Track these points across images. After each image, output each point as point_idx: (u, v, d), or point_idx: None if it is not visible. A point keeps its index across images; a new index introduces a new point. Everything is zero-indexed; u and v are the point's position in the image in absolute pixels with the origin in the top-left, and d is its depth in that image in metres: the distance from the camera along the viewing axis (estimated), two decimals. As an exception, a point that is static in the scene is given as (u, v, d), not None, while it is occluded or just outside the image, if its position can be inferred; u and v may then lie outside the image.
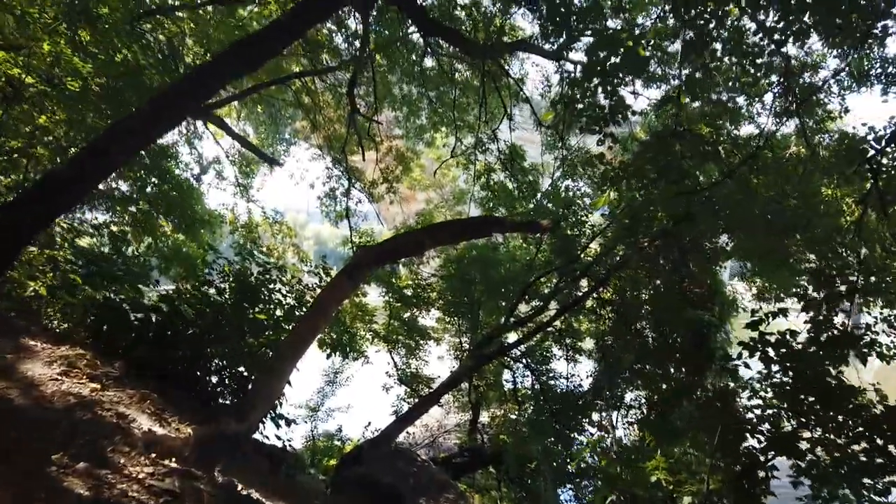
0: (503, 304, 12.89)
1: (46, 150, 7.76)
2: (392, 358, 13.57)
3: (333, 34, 12.83)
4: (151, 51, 9.82)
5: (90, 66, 7.56)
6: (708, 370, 9.82)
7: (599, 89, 5.06)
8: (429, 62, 12.53)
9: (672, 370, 10.48)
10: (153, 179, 12.80)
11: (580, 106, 5.46)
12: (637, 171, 7.11)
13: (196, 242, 14.79)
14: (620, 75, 4.92)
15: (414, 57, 12.01)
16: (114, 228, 11.25)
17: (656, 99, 9.17)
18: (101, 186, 10.64)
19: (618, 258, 10.96)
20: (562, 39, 6.58)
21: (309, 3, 5.99)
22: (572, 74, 8.85)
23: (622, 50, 4.57)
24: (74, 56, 7.20)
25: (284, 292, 7.62)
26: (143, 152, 10.65)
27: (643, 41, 4.69)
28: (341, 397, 14.67)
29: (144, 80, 8.68)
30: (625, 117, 5.37)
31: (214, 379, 6.60)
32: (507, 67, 10.50)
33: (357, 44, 11.18)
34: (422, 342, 13.44)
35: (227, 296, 7.18)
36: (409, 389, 13.46)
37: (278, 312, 7.33)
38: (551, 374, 13.05)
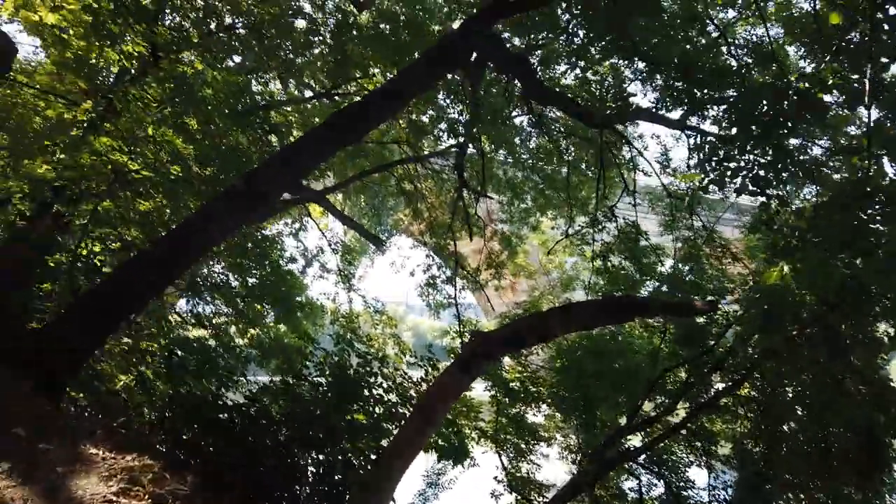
0: (624, 400, 12.12)
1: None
2: (500, 460, 12.93)
3: (439, 116, 13.50)
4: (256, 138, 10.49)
5: (192, 149, 7.76)
6: (880, 483, 8.58)
7: (754, 145, 4.77)
8: (533, 140, 12.86)
9: (831, 481, 9.28)
10: (257, 269, 13.59)
11: (733, 165, 5.13)
12: (822, 238, 6.28)
13: (297, 333, 15.36)
14: (789, 125, 4.60)
15: (519, 134, 12.35)
16: (217, 320, 11.88)
17: (829, 150, 8.33)
18: (202, 274, 11.43)
19: (759, 348, 10.09)
20: (686, 107, 6.48)
21: (412, 69, 6.06)
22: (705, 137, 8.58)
23: (793, 95, 4.32)
24: (177, 139, 7.42)
25: (386, 387, 7.11)
26: (248, 243, 11.40)
27: (819, 83, 4.40)
28: (445, 504, 14.06)
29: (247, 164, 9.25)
30: (808, 175, 5.01)
31: (306, 492, 5.94)
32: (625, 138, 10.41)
33: (463, 118, 11.60)
34: (532, 442, 12.76)
35: (321, 391, 6.77)
36: (520, 497, 12.64)
37: (378, 410, 6.73)
38: (683, 484, 11.88)
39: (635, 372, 11.62)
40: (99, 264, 7.08)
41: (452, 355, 14.08)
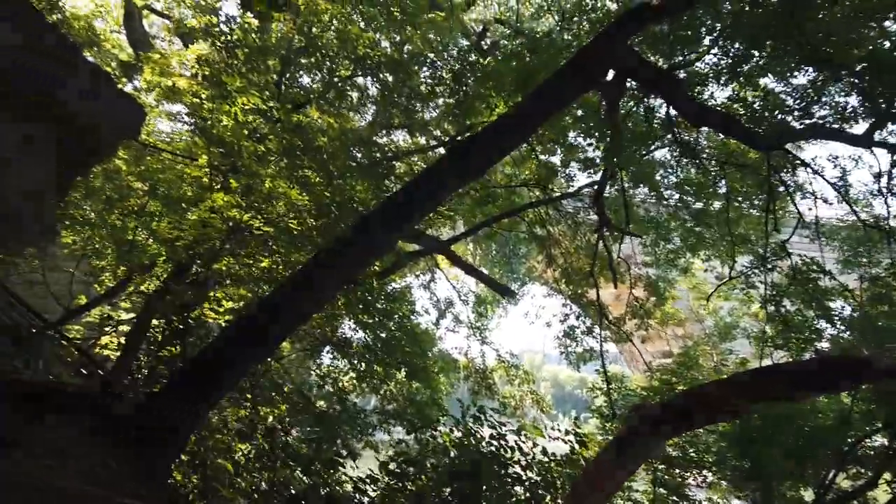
0: (809, 473, 10.55)
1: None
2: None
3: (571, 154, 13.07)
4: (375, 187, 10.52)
5: (307, 199, 7.74)
6: None
7: None
8: (678, 172, 11.96)
9: None
10: (385, 325, 13.67)
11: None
12: None
13: (429, 391, 15.22)
14: None
15: (662, 166, 11.54)
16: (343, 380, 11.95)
17: None
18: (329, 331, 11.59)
19: None
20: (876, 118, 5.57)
21: (541, 90, 5.40)
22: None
23: None
24: (293, 191, 7.50)
25: (525, 463, 6.20)
26: (377, 300, 11.44)
27: None
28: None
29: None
30: None
31: None
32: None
33: (596, 151, 11.02)
34: (698, 521, 11.42)
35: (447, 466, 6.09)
36: (683, 584, 11.30)
37: (518, 491, 5.93)
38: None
39: (823, 438, 10.09)
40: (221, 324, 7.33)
41: (597, 415, 13.19)
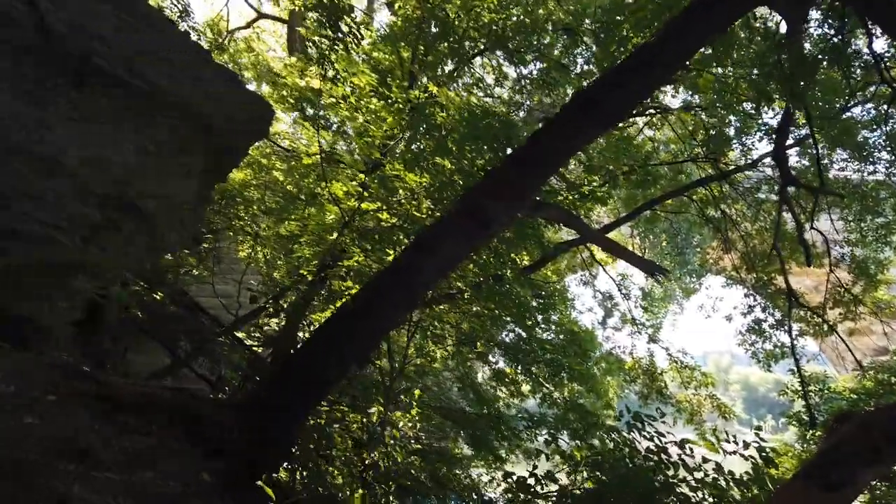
0: None
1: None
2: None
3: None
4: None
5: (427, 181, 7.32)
6: None
7: None
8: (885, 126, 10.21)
9: None
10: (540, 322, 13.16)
11: None
12: None
13: (595, 394, 14.49)
14: None
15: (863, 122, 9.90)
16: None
17: None
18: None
19: None
20: None
21: (690, 11, 4.46)
22: None
23: None
24: (410, 173, 7.15)
25: (694, 483, 5.25)
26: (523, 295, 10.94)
27: None
28: None
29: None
30: None
31: None
32: None
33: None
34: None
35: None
36: None
37: None
38: None
39: None
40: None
41: (794, 422, 11.74)
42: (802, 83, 7.54)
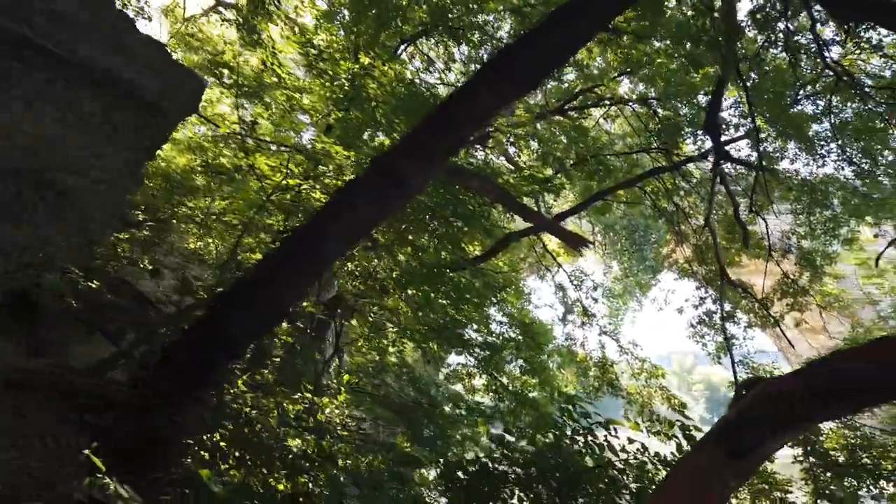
0: None
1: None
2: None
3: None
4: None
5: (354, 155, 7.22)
6: None
7: None
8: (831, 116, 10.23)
9: None
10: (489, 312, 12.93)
11: None
12: None
13: (548, 387, 14.35)
14: None
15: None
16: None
17: None
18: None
19: None
20: None
21: None
22: None
23: None
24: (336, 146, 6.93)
25: (620, 466, 5.11)
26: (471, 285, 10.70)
27: None
28: None
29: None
30: None
31: None
32: None
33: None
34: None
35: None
36: None
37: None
38: None
39: None
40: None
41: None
42: (732, 46, 7.44)
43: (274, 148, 6.79)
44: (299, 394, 6.39)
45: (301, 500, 4.11)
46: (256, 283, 4.09)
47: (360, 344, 12.29)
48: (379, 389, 9.75)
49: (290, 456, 4.55)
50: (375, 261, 8.38)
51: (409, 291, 7.95)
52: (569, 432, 5.58)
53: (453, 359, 14.94)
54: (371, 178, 4.11)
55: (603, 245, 22.11)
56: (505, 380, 13.69)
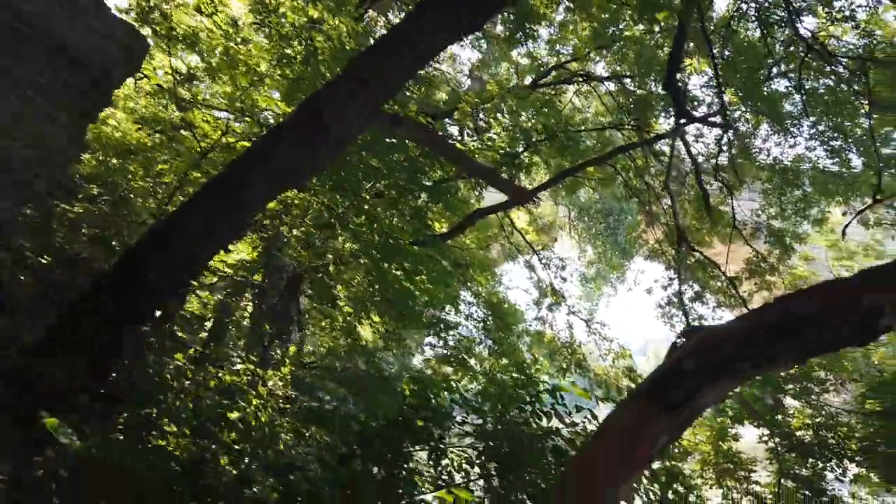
0: None
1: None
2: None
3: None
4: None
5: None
6: None
7: None
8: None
9: None
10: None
11: None
12: None
13: (517, 368, 14.12)
14: None
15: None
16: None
17: None
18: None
19: None
20: None
21: None
22: None
23: None
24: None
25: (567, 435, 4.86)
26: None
27: None
28: None
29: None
30: None
31: None
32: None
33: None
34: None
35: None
36: None
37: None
38: None
39: None
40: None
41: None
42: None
43: (214, 104, 6.39)
44: (241, 365, 6.10)
45: (209, 464, 3.79)
46: (172, 227, 3.75)
47: (322, 324, 11.99)
48: (337, 365, 9.46)
49: (198, 419, 4.22)
50: (335, 233, 8.06)
51: (362, 261, 7.62)
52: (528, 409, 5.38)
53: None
54: (296, 122, 3.78)
55: (576, 227, 21.95)
56: (474, 361, 13.50)
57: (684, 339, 2.83)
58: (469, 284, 13.35)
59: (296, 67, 6.37)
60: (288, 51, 6.48)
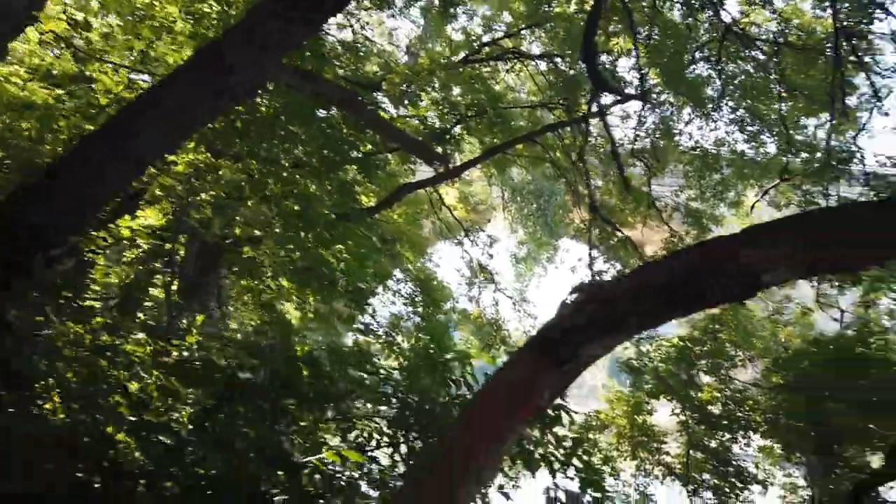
0: (880, 432, 9.07)
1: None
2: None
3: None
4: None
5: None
6: None
7: None
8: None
9: None
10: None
11: None
12: None
13: (442, 344, 14.13)
14: None
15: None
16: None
17: None
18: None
19: None
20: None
21: None
22: None
23: None
24: None
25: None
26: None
27: None
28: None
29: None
30: None
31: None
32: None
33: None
34: (740, 486, 10.05)
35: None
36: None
37: None
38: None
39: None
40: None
41: (624, 369, 11.91)
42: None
43: (115, 61, 5.94)
44: (143, 335, 5.81)
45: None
46: (58, 171, 3.46)
47: (245, 298, 11.62)
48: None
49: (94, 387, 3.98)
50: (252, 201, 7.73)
51: (277, 230, 7.36)
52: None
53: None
54: (195, 64, 3.54)
55: (509, 208, 22.05)
56: (401, 338, 13.41)
57: (575, 295, 2.80)
58: (396, 260, 13.22)
59: (206, 22, 6.02)
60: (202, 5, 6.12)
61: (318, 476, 3.88)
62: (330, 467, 3.93)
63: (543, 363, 2.57)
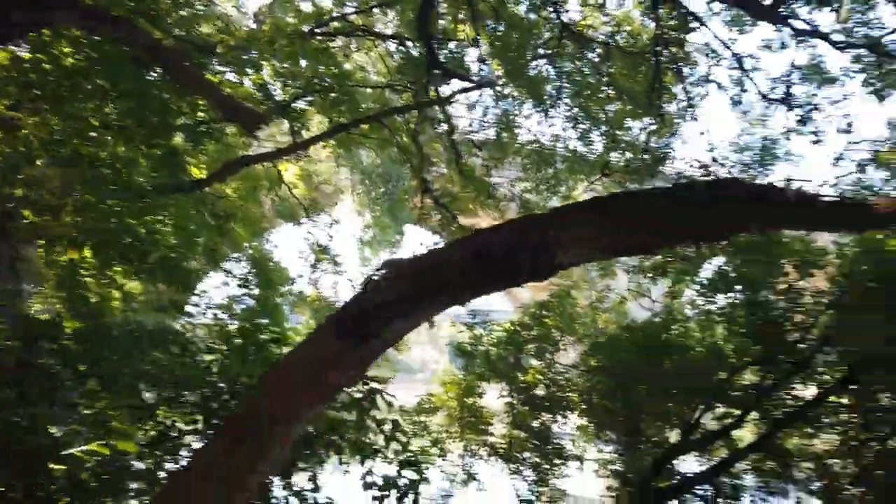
0: (677, 410, 10.06)
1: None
2: (516, 483, 10.96)
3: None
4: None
5: None
6: None
7: None
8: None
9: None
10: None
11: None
12: None
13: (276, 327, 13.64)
14: None
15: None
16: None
17: None
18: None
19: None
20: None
21: None
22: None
23: None
24: None
25: None
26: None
27: None
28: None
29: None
30: None
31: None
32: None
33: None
34: (558, 462, 10.70)
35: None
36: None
37: None
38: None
39: (697, 373, 9.53)
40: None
41: (459, 352, 12.19)
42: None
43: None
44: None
45: None
46: None
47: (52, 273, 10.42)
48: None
49: None
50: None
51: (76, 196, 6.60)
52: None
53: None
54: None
55: (357, 192, 21.78)
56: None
57: (384, 270, 2.70)
58: (227, 238, 12.50)
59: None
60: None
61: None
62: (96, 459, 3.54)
63: (343, 341, 2.45)
